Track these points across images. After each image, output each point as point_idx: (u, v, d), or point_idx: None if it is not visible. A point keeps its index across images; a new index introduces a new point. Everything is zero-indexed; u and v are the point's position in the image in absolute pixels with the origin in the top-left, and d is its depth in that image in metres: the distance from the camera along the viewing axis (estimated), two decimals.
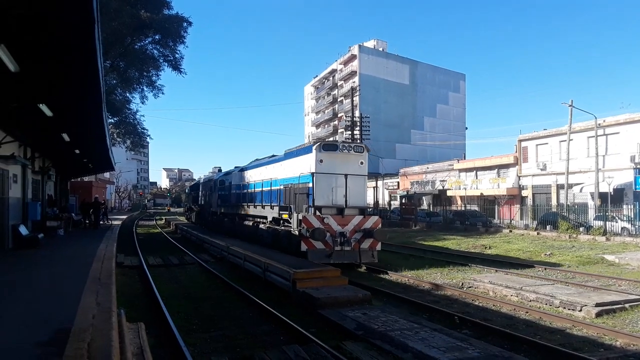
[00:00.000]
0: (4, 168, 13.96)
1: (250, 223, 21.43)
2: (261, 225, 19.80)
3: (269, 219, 18.98)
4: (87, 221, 27.11)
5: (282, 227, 17.14)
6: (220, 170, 35.08)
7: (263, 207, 19.73)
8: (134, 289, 12.09)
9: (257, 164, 22.61)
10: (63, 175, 31.67)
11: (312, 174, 15.24)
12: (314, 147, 15.64)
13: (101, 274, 10.14)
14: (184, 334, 7.53)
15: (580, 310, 9.63)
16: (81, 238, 20.28)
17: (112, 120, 35.49)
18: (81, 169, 32.11)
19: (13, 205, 15.63)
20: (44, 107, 9.73)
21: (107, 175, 67.35)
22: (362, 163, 16.19)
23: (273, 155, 21.05)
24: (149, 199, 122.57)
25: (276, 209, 17.94)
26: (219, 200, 28.68)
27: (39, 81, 8.48)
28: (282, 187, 17.73)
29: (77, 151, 19.11)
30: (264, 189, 20.04)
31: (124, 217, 48.74)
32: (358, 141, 16.95)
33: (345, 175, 15.42)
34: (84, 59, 7.16)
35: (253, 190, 21.63)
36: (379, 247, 16.16)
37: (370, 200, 18.97)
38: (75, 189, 38.81)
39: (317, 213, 15.17)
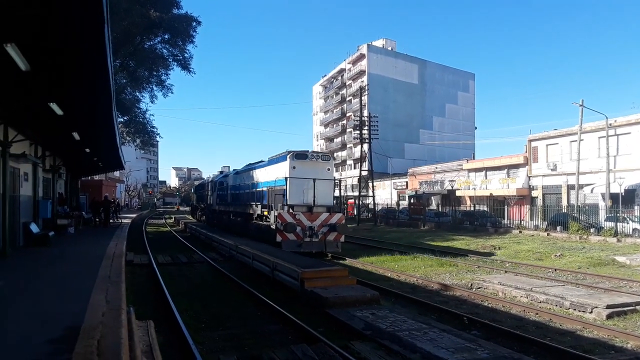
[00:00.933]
0: (15, 166, 14.10)
1: (242, 219, 24.32)
2: (249, 220, 22.61)
3: (255, 215, 21.79)
4: (97, 219, 27.31)
5: (264, 222, 20.02)
6: (221, 172, 37.74)
7: (251, 205, 22.77)
8: (144, 287, 12.15)
9: (247, 168, 25.95)
10: (73, 174, 31.96)
11: (286, 178, 18.39)
12: (288, 156, 18.74)
13: (111, 272, 10.20)
14: (192, 332, 7.55)
15: (591, 312, 9.53)
16: (91, 236, 20.43)
17: (122, 119, 35.73)
18: (91, 167, 32.38)
19: (24, 203, 15.78)
20: (54, 106, 9.81)
21: (117, 174, 67.78)
22: (328, 169, 19.43)
23: (261, 161, 23.85)
24: (158, 198, 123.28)
25: (260, 207, 21.09)
26: (218, 199, 32.09)
27: (50, 80, 8.55)
28: (265, 188, 20.90)
29: (87, 150, 19.27)
30: (251, 190, 23.47)
31: (134, 215, 49.07)
32: (323, 153, 20.45)
33: (314, 180, 18.50)
34: (94, 58, 7.20)
35: (244, 191, 25.05)
36: (342, 239, 19.21)
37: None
38: (85, 188, 39.15)
39: (290, 210, 18.10)
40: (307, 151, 19.63)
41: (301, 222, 18.03)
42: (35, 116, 11.88)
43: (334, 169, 19.72)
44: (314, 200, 18.51)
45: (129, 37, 30.73)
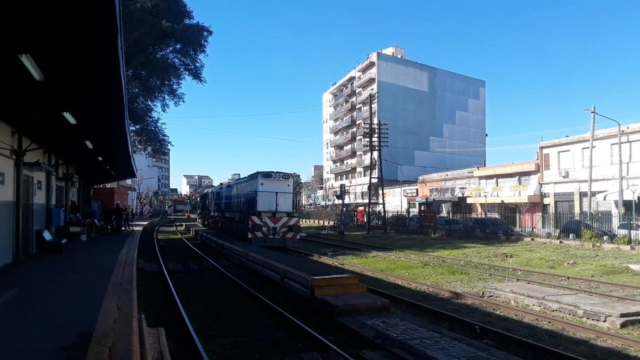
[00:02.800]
0: (28, 174, 14.28)
1: (229, 222, 30.96)
2: (233, 222, 29.08)
3: (237, 218, 28.14)
4: (109, 227, 27.51)
5: (242, 224, 25.83)
6: (220, 184, 43.91)
7: (234, 211, 29.62)
8: (155, 294, 12.21)
9: (233, 183, 33.59)
10: (86, 182, 32.27)
11: (256, 192, 24.17)
12: (258, 176, 24.53)
13: (122, 279, 10.28)
14: (203, 339, 7.57)
15: (605, 321, 9.41)
16: (103, 244, 20.59)
17: (134, 128, 36.07)
18: (104, 175, 32.68)
19: (37, 211, 15.96)
20: (68, 115, 9.94)
21: (128, 181, 68.30)
22: (288, 185, 25.29)
23: (242, 178, 30.53)
24: (169, 205, 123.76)
25: (239, 212, 27.72)
26: (215, 207, 38.98)
27: (63, 89, 8.67)
28: (243, 199, 26.98)
29: (100, 158, 19.45)
30: (234, 200, 30.13)
31: (145, 223, 49.32)
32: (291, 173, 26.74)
33: (276, 193, 24.20)
34: (107, 68, 7.31)
35: (230, 200, 31.61)
36: (298, 237, 25.64)
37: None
38: (97, 195, 39.44)
39: (259, 215, 23.73)
40: (272, 172, 25.12)
41: (266, 224, 23.76)
42: (49, 125, 12.03)
43: (292, 184, 26.69)
44: (276, 208, 24.23)
45: (141, 47, 31.11)
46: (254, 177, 25.55)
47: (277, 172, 25.23)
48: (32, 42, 6.30)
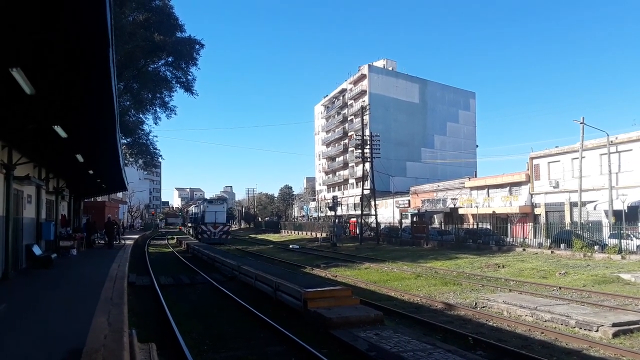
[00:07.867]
0: (18, 189, 14.16)
1: (192, 230, 52.50)
2: (195, 230, 47.85)
3: (195, 226, 47.29)
4: (93, 239, 27.29)
5: (197, 230, 44.82)
6: (212, 193, 68.05)
7: (195, 222, 49.20)
8: (146, 308, 12.10)
9: (198, 203, 52.78)
10: (77, 195, 32.01)
11: (204, 211, 43.35)
12: (205, 201, 46.02)
13: (113, 294, 10.18)
14: (195, 354, 7.50)
15: (597, 331, 9.44)
16: (94, 258, 20.38)
17: (125, 141, 35.92)
18: (94, 189, 32.44)
19: (27, 225, 15.80)
20: (58, 129, 9.89)
21: (120, 195, 67.86)
22: (224, 207, 45.23)
23: (201, 200, 51.72)
24: (161, 219, 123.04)
25: (196, 223, 47.19)
26: (189, 220, 63.86)
27: (54, 103, 8.65)
28: (200, 215, 44.67)
29: (90, 172, 19.34)
30: (195, 215, 50.80)
31: (137, 236, 48.88)
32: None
33: (216, 212, 42.89)
34: (98, 82, 7.30)
35: (194, 215, 52.43)
36: (229, 237, 44.91)
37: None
38: (88, 209, 39.09)
39: (206, 225, 42.54)
40: (214, 199, 47.09)
41: (210, 230, 42.10)
42: (40, 139, 11.97)
43: (227, 205, 48.59)
44: (216, 220, 42.43)
45: (133, 60, 31.09)
46: (203, 201, 46.13)
47: (216, 199, 47.45)
48: (23, 55, 6.29)
